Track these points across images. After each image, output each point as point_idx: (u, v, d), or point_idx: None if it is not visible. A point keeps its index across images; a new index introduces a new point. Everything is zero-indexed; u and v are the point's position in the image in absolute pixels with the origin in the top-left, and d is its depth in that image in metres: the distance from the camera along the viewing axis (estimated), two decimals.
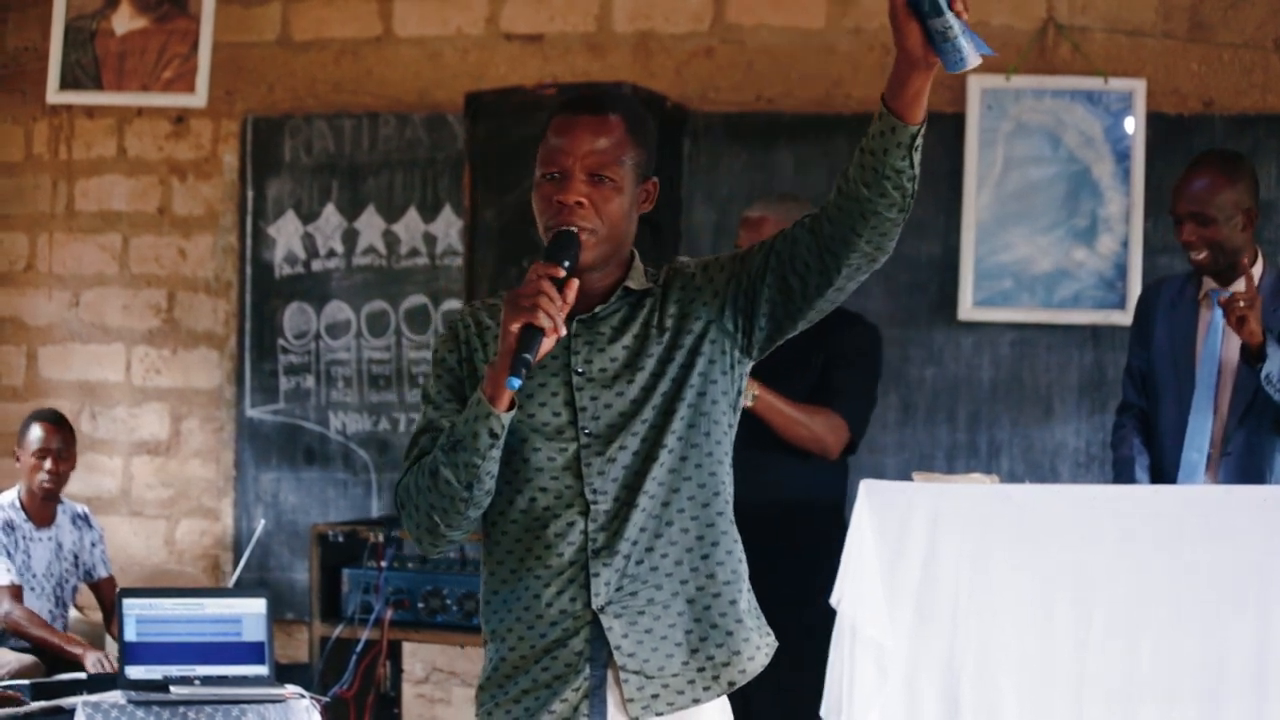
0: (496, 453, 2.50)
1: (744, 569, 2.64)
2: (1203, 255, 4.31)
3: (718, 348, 2.60)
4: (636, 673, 2.55)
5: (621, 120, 2.59)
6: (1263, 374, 4.15)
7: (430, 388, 2.67)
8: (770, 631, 2.68)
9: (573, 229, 2.53)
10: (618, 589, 2.55)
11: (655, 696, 2.55)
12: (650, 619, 2.56)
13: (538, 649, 2.58)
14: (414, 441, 2.64)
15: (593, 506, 2.56)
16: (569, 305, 2.46)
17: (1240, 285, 4.30)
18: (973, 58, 2.26)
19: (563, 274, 2.47)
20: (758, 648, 2.63)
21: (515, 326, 2.43)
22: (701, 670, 2.58)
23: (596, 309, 2.62)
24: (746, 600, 2.63)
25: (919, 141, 2.37)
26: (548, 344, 2.44)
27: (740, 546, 2.65)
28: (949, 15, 2.23)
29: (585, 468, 2.56)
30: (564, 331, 2.46)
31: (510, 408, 2.48)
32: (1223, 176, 4.32)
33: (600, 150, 2.56)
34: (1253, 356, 4.17)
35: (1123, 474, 4.42)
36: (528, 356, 2.42)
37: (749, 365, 2.66)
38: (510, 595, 2.61)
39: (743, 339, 2.61)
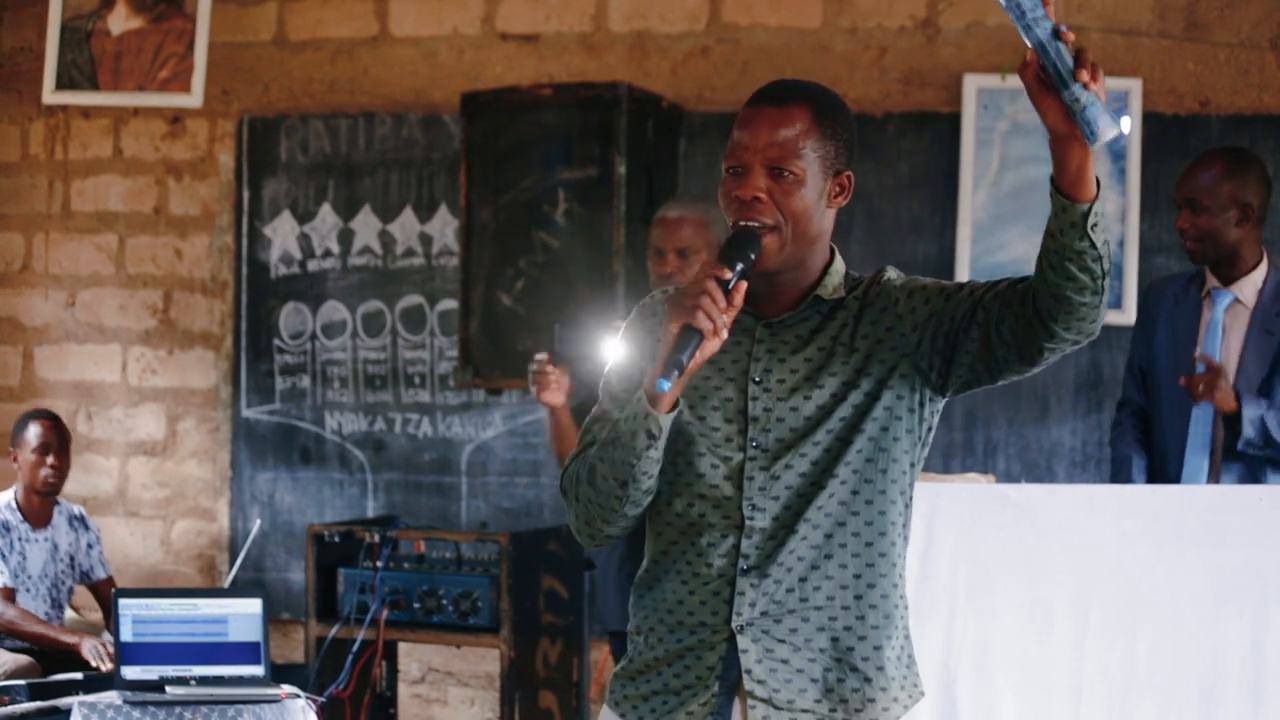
0: (654, 454, 2.42)
1: (899, 615, 2.53)
2: (1190, 244, 4.34)
3: (907, 383, 2.47)
4: (765, 700, 2.45)
5: (807, 110, 2.46)
6: (1239, 445, 4.17)
7: (612, 373, 2.58)
8: (919, 683, 2.58)
9: (752, 226, 2.43)
10: (762, 612, 2.45)
11: None
12: (789, 649, 2.46)
13: (672, 653, 2.51)
14: (587, 429, 2.56)
15: (748, 522, 2.46)
16: (736, 309, 2.36)
17: (1247, 286, 4.32)
18: (1106, 131, 2.17)
19: (729, 276, 2.36)
20: (894, 699, 2.51)
21: (675, 327, 2.34)
22: (833, 711, 2.47)
23: (785, 315, 2.51)
24: (896, 648, 2.52)
25: (1095, 219, 2.22)
26: (710, 347, 2.35)
27: (899, 591, 2.53)
28: (1075, 88, 2.16)
29: (747, 481, 2.46)
30: (725, 336, 2.35)
31: (672, 409, 2.41)
32: (1224, 167, 4.33)
33: (780, 142, 2.43)
34: (1232, 428, 4.18)
35: (1119, 472, 4.42)
36: (682, 359, 2.33)
37: (941, 403, 2.53)
38: (657, 595, 2.54)
39: (937, 379, 2.47)
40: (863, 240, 5.79)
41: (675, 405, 2.41)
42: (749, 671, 2.45)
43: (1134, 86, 5.63)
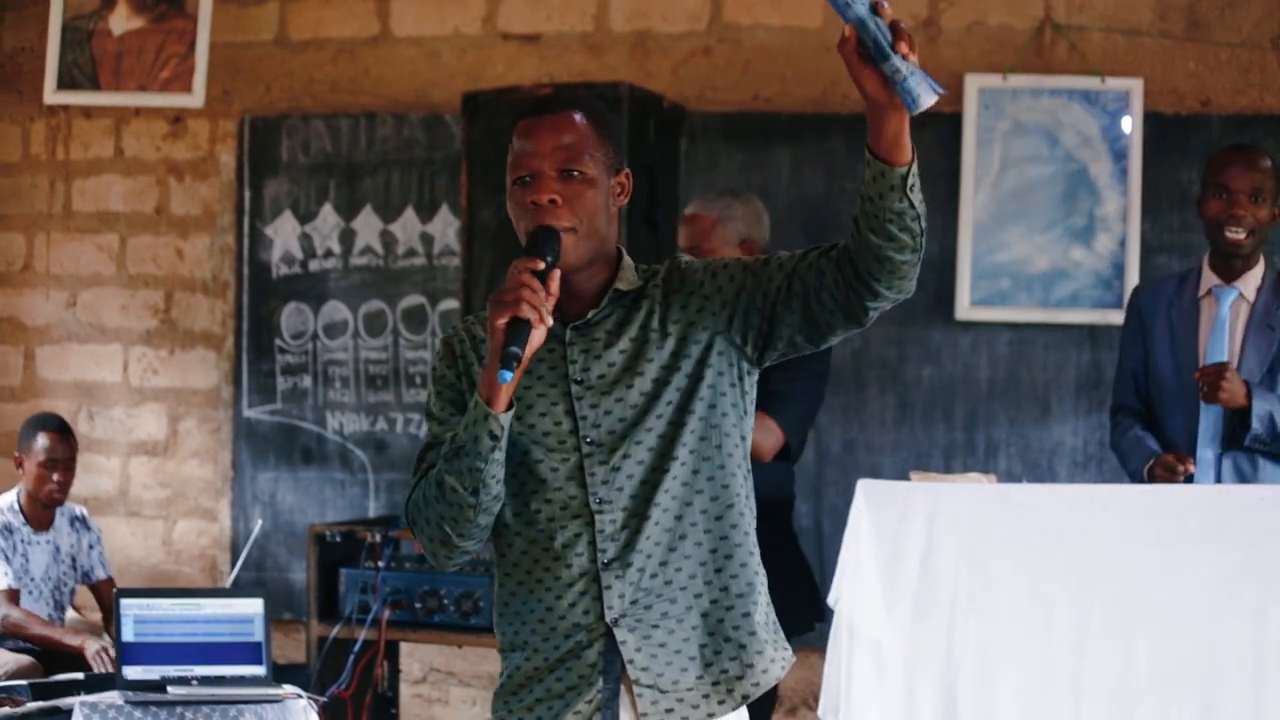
0: (499, 455, 2.48)
1: (760, 581, 2.62)
2: (1241, 234, 4.27)
3: (725, 359, 2.57)
4: (650, 686, 2.53)
5: (583, 115, 2.56)
6: (1246, 439, 4.16)
7: (432, 405, 2.64)
8: (787, 645, 2.66)
9: (550, 225, 2.50)
10: (632, 602, 2.53)
11: (670, 711, 2.54)
12: (664, 633, 2.54)
13: (552, 660, 2.56)
14: (420, 458, 2.61)
15: (598, 517, 2.53)
16: (554, 296, 2.43)
17: (1249, 282, 4.32)
18: (925, 99, 2.24)
19: (543, 265, 2.43)
20: (772, 660, 2.60)
21: (500, 322, 2.40)
22: (716, 684, 2.56)
23: (590, 314, 2.58)
24: (762, 613, 2.61)
25: (912, 181, 2.32)
26: (538, 336, 2.41)
27: (756, 558, 2.62)
28: (895, 59, 2.23)
29: (589, 477, 2.53)
30: (550, 322, 2.42)
31: (509, 408, 2.46)
32: (1275, 167, 4.31)
33: (567, 145, 2.52)
34: (1240, 423, 4.18)
35: (1134, 451, 4.35)
36: (516, 350, 2.39)
37: (756, 374, 2.62)
38: (523, 606, 2.59)
39: (754, 352, 2.57)
40: None
41: (511, 405, 2.47)
42: (632, 661, 2.53)
43: (1135, 86, 5.63)
